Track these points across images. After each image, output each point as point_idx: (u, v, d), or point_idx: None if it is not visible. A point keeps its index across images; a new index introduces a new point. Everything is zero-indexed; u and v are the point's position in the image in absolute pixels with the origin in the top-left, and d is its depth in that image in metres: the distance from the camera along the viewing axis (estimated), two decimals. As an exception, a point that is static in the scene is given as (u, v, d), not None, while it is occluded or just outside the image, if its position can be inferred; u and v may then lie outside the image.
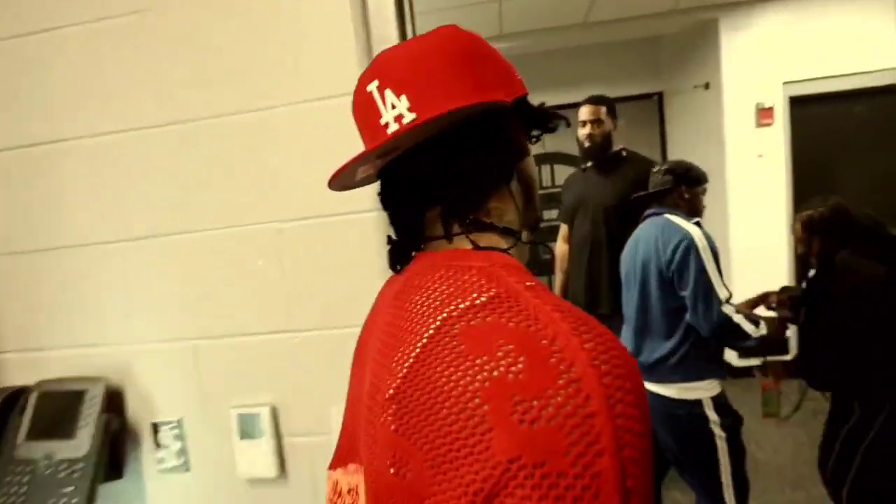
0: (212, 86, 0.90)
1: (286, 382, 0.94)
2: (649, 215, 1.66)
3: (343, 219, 0.90)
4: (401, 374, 0.36)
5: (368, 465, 0.39)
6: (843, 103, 3.12)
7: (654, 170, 1.70)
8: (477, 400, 0.31)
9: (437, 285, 0.40)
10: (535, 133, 0.52)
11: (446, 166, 0.44)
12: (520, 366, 0.31)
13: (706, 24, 3.21)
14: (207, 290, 0.93)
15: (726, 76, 3.13)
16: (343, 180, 0.47)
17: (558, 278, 2.33)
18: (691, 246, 1.47)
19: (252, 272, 0.92)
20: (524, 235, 0.50)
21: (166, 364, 0.96)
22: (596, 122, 2.10)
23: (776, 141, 3.14)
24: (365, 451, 0.40)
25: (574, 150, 4.19)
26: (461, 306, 0.36)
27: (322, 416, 0.93)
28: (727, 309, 1.44)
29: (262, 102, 0.89)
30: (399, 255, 0.51)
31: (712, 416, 1.49)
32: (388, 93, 0.43)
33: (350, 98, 0.48)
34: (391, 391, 0.36)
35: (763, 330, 1.46)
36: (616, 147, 2.14)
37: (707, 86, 3.30)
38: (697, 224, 1.56)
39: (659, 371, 1.55)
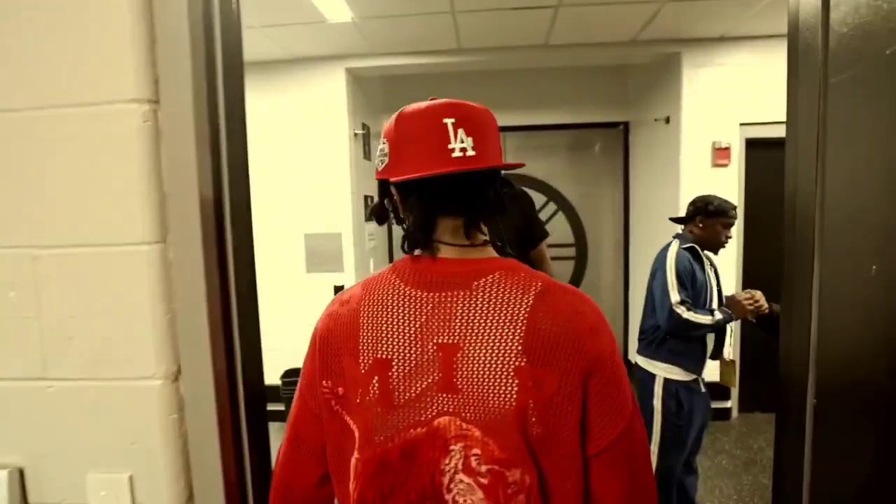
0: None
1: (36, 441, 0.77)
2: (674, 237, 2.05)
3: (114, 250, 0.74)
4: (522, 326, 0.59)
5: (477, 400, 0.58)
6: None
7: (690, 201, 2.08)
8: (576, 325, 0.60)
9: (507, 280, 0.62)
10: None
11: (487, 192, 0.65)
12: (586, 308, 0.63)
13: (670, 57, 3.14)
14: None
15: (685, 111, 3.05)
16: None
17: None
18: (661, 266, 1.92)
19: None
20: None
21: None
22: None
23: (730, 183, 3.05)
24: (466, 390, 0.59)
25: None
26: (539, 289, 0.62)
27: (77, 484, 0.77)
28: (678, 308, 1.82)
29: (20, 100, 0.73)
30: (412, 244, 0.66)
31: (658, 391, 1.91)
32: (461, 131, 0.60)
33: (120, 107, 0.67)
34: (519, 337, 0.59)
35: (718, 316, 1.82)
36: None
37: (668, 120, 3.22)
38: (690, 249, 1.93)
39: (640, 343, 2.06)
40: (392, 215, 0.71)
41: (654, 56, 3.23)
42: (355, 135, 3.51)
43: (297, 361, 2.78)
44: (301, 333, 3.59)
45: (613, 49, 3.15)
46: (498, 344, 0.58)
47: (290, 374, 3.42)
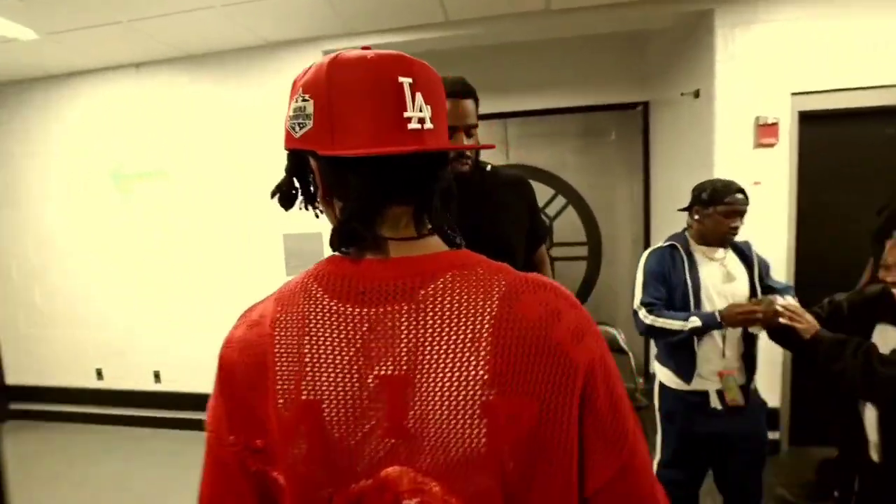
0: None
1: None
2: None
3: None
4: (486, 345, 0.45)
5: (438, 439, 0.45)
6: (869, 122, 2.47)
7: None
8: (553, 334, 0.47)
9: (463, 283, 0.48)
10: None
11: (444, 174, 0.53)
12: (564, 305, 0.49)
13: (700, 16, 2.59)
14: None
15: (720, 82, 2.49)
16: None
17: None
18: (638, 265, 1.81)
19: None
20: None
21: None
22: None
23: (779, 166, 2.49)
24: (430, 429, 0.45)
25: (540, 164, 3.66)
26: (503, 290, 0.48)
27: None
28: (640, 311, 1.69)
29: None
30: (348, 241, 0.51)
31: (656, 391, 1.82)
32: (419, 96, 0.47)
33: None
34: (485, 348, 0.45)
35: (694, 322, 1.58)
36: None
37: (697, 94, 2.66)
38: (671, 247, 1.75)
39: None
40: (302, 198, 0.56)
41: (680, 16, 2.67)
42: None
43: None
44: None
45: (629, 10, 2.61)
46: (457, 373, 0.45)
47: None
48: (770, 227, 2.48)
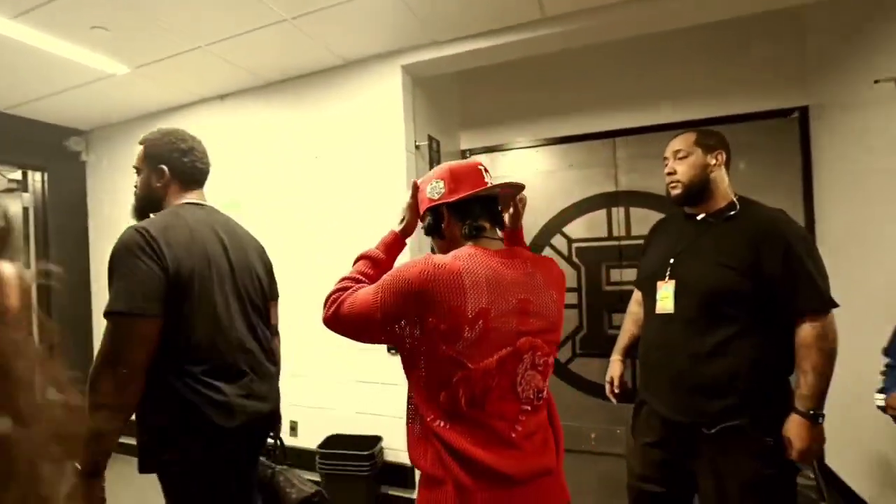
0: None
1: None
2: None
3: None
4: (554, 274, 1.12)
5: (543, 309, 1.05)
6: None
7: None
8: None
9: (533, 257, 1.10)
10: None
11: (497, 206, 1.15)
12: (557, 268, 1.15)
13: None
14: None
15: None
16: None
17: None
18: None
19: None
20: None
21: None
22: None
23: None
24: (537, 306, 1.03)
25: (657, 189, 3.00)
26: (537, 259, 1.12)
27: None
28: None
29: None
30: (477, 235, 1.07)
31: None
32: (486, 172, 1.10)
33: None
34: (556, 277, 1.12)
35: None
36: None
37: (899, 84, 1.91)
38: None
39: None
40: (434, 231, 1.13)
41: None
42: (417, 147, 2.76)
43: (344, 428, 2.62)
44: (355, 397, 3.08)
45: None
46: (547, 292, 1.07)
47: (332, 444, 2.61)
48: None
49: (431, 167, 2.97)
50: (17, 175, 3.72)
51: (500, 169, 3.35)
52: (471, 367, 0.93)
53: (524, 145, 3.30)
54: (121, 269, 1.16)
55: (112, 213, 3.71)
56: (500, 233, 1.13)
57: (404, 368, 1.02)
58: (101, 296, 3.78)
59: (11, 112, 3.33)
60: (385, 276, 0.99)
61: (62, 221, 3.66)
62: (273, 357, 1.49)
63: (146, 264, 1.15)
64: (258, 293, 1.44)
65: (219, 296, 1.28)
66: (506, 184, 1.09)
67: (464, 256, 0.97)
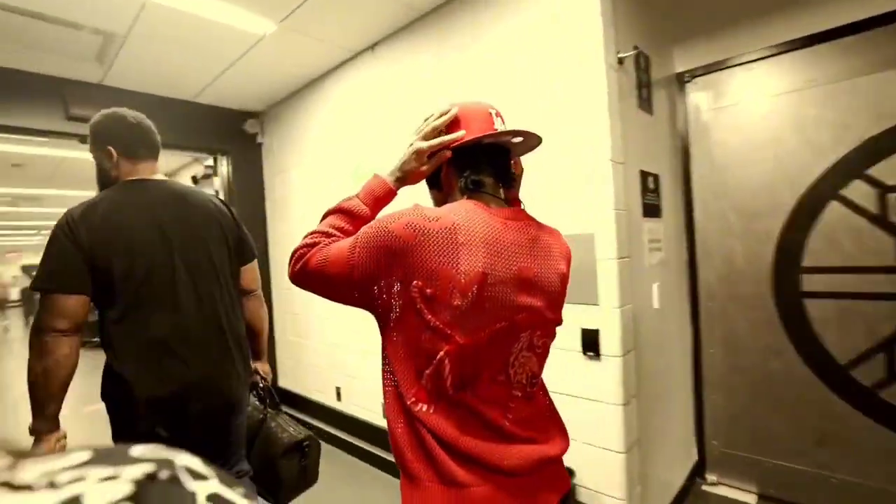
0: None
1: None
2: None
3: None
4: (563, 246, 0.97)
5: (547, 283, 0.89)
6: None
7: None
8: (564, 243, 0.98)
9: (539, 223, 0.95)
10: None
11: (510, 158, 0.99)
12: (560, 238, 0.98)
13: None
14: None
15: None
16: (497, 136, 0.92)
17: None
18: None
19: None
20: None
21: None
22: None
23: None
24: (541, 278, 0.87)
25: None
26: (542, 226, 0.96)
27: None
28: None
29: None
30: (475, 189, 0.91)
31: None
32: (498, 118, 0.94)
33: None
34: (564, 250, 0.97)
35: None
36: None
37: None
38: None
39: None
40: (432, 180, 1.03)
41: None
42: (619, 61, 1.88)
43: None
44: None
45: None
46: (551, 260, 0.91)
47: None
48: None
49: (640, 92, 2.06)
50: (211, 161, 3.97)
51: (732, 95, 2.23)
52: (460, 341, 0.78)
53: (772, 52, 2.12)
54: (46, 249, 1.26)
55: (283, 193, 3.70)
56: (503, 193, 0.95)
57: (382, 338, 0.86)
58: (278, 277, 3.84)
59: (197, 101, 3.47)
60: (364, 227, 0.84)
61: (245, 203, 3.78)
62: (238, 322, 1.53)
63: (64, 244, 1.24)
64: (211, 262, 1.45)
65: (141, 268, 1.32)
66: (516, 131, 0.89)
67: (460, 210, 0.83)
